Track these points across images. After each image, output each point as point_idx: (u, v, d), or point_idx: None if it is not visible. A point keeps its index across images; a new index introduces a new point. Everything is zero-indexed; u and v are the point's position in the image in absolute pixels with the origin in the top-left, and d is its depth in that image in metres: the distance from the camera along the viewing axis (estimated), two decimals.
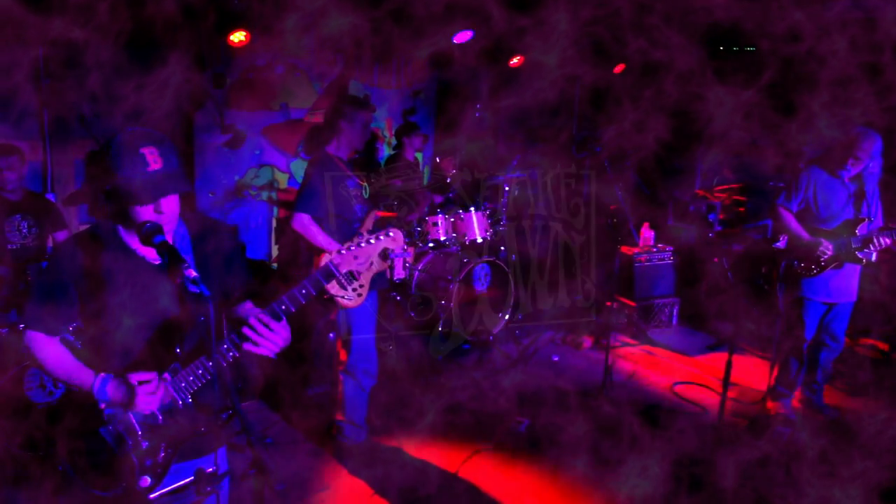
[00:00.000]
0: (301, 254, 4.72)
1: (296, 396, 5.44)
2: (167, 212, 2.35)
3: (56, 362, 2.52)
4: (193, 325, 2.44)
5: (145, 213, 2.33)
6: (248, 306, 2.66)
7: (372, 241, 2.43)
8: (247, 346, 2.38)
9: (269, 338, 2.36)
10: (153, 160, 2.29)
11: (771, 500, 4.38)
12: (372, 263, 4.42)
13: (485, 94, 9.91)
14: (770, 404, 5.40)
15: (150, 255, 2.46)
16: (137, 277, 2.45)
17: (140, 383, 2.33)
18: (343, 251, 2.41)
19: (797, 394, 5.50)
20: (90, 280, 2.40)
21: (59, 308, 2.45)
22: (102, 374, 2.42)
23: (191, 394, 2.44)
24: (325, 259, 2.40)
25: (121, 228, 2.47)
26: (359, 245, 2.41)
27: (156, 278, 2.47)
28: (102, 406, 2.40)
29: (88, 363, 2.48)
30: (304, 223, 4.36)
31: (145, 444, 2.39)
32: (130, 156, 2.28)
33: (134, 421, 2.40)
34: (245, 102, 7.80)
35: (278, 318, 2.37)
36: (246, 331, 2.35)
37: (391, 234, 2.46)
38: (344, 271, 2.41)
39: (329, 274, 2.40)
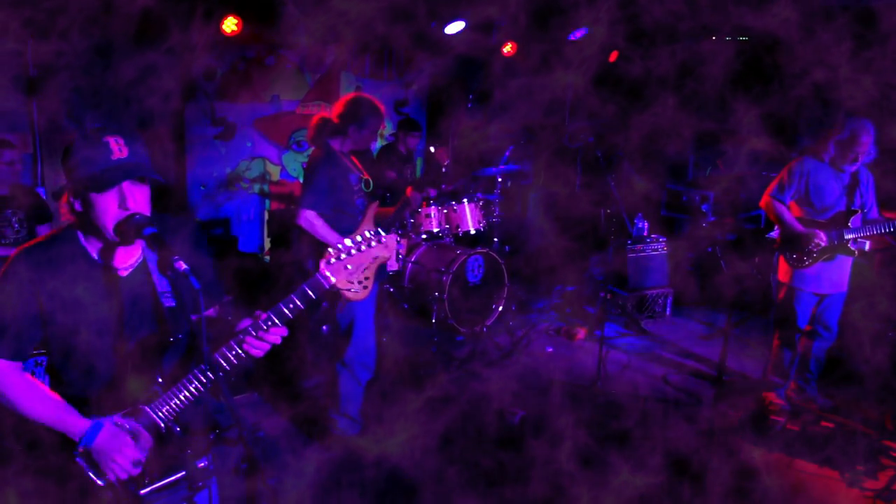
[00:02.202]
0: (296, 248, 4.67)
1: (290, 389, 5.42)
2: (133, 208, 2.17)
3: (33, 400, 2.22)
4: (172, 342, 2.32)
5: (110, 209, 2.16)
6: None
7: (363, 248, 2.30)
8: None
9: (259, 347, 2.27)
10: (118, 148, 2.15)
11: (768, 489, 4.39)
12: (375, 258, 4.40)
13: (478, 84, 9.87)
14: (764, 394, 5.41)
15: (121, 265, 2.29)
16: (105, 292, 2.26)
17: (129, 444, 2.18)
18: (333, 261, 2.28)
19: (791, 384, 5.50)
20: (51, 297, 2.19)
21: (22, 327, 2.20)
22: (98, 419, 2.21)
23: (175, 417, 2.28)
24: (322, 266, 2.30)
25: (82, 237, 2.28)
26: (349, 254, 2.28)
27: (126, 292, 2.30)
28: (80, 449, 2.19)
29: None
30: (311, 219, 4.31)
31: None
32: (94, 146, 2.15)
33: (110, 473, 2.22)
34: (236, 94, 7.75)
35: (265, 330, 2.26)
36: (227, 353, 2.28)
37: (383, 240, 2.32)
38: (333, 282, 2.29)
39: (318, 286, 2.28)
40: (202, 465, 2.26)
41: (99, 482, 2.20)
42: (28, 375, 2.25)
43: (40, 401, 2.23)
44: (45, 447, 2.19)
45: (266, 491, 2.05)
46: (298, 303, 2.26)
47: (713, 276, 7.53)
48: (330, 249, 2.30)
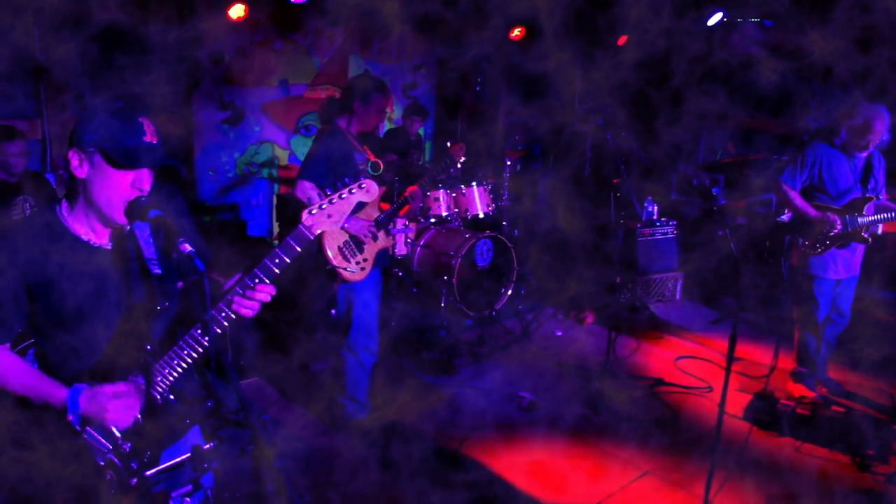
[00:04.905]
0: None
1: (297, 373, 5.42)
2: (145, 190, 2.19)
3: (16, 375, 2.19)
4: (160, 310, 2.30)
5: (122, 185, 2.16)
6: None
7: (344, 195, 2.27)
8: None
9: (248, 306, 2.24)
10: (150, 132, 2.19)
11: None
12: (376, 239, 4.38)
13: (487, 67, 9.81)
14: (791, 386, 5.33)
15: (102, 240, 2.28)
16: (89, 266, 2.24)
17: (115, 395, 2.17)
18: (314, 210, 2.24)
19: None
20: (36, 274, 2.17)
21: (7, 307, 2.17)
22: (76, 384, 2.19)
23: (169, 386, 2.27)
24: (303, 217, 2.26)
25: (66, 212, 2.25)
26: (330, 202, 2.25)
27: (110, 265, 2.28)
28: (71, 418, 2.17)
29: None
30: (307, 190, 4.29)
31: (128, 447, 2.23)
32: (127, 121, 2.16)
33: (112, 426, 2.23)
34: (244, 79, 7.73)
35: (252, 287, 2.22)
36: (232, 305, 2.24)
37: (363, 185, 2.29)
38: (317, 232, 2.25)
39: (301, 237, 2.23)
40: (207, 446, 2.25)
41: (99, 456, 2.19)
42: (12, 353, 2.22)
43: (24, 374, 2.20)
44: (43, 429, 2.16)
45: (272, 473, 2.05)
46: (284, 257, 2.23)
47: (724, 259, 7.47)
48: (310, 202, 2.26)
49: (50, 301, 2.17)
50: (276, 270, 2.24)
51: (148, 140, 2.18)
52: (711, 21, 8.04)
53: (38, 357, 2.25)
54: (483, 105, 10.01)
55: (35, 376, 2.20)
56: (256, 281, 2.22)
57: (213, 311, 2.22)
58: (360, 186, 2.29)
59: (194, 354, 2.25)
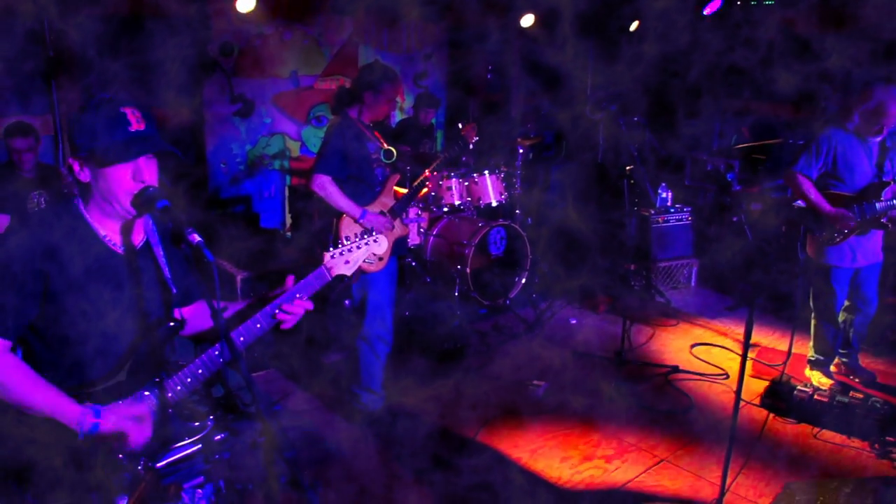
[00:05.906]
0: (314, 222, 4.66)
1: (312, 364, 5.43)
2: (148, 180, 2.15)
3: (25, 384, 2.07)
4: (175, 326, 2.32)
5: (123, 181, 2.13)
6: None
7: (360, 245, 2.55)
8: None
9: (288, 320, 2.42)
10: (135, 120, 2.13)
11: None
12: (394, 228, 4.37)
13: (498, 55, 9.76)
14: (810, 373, 5.26)
15: (117, 240, 2.24)
16: (106, 264, 2.20)
17: (135, 418, 2.14)
18: (335, 255, 2.52)
19: (836, 360, 5.35)
20: (50, 271, 2.10)
21: (18, 302, 2.07)
22: (90, 404, 2.12)
23: (177, 402, 2.26)
24: (325, 259, 2.54)
25: (84, 210, 2.22)
26: (349, 250, 2.53)
27: (125, 271, 2.25)
28: (82, 438, 2.08)
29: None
30: (324, 184, 4.29)
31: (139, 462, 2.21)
32: (111, 116, 2.11)
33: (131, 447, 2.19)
34: (254, 70, 7.72)
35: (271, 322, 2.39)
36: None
37: (376, 239, 2.58)
38: (335, 274, 2.51)
39: (321, 277, 2.48)
40: (218, 438, 2.26)
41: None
42: (18, 358, 2.13)
43: (33, 384, 2.08)
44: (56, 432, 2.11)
45: (284, 464, 2.05)
46: (304, 293, 2.44)
47: (739, 246, 7.41)
48: (331, 247, 2.55)
49: (63, 292, 2.12)
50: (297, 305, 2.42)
51: (134, 129, 2.13)
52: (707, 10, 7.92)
53: (29, 362, 2.17)
54: (494, 93, 9.96)
55: (48, 389, 2.10)
56: (277, 311, 2.38)
57: (249, 322, 2.36)
58: (375, 241, 2.60)
59: (208, 374, 2.28)
